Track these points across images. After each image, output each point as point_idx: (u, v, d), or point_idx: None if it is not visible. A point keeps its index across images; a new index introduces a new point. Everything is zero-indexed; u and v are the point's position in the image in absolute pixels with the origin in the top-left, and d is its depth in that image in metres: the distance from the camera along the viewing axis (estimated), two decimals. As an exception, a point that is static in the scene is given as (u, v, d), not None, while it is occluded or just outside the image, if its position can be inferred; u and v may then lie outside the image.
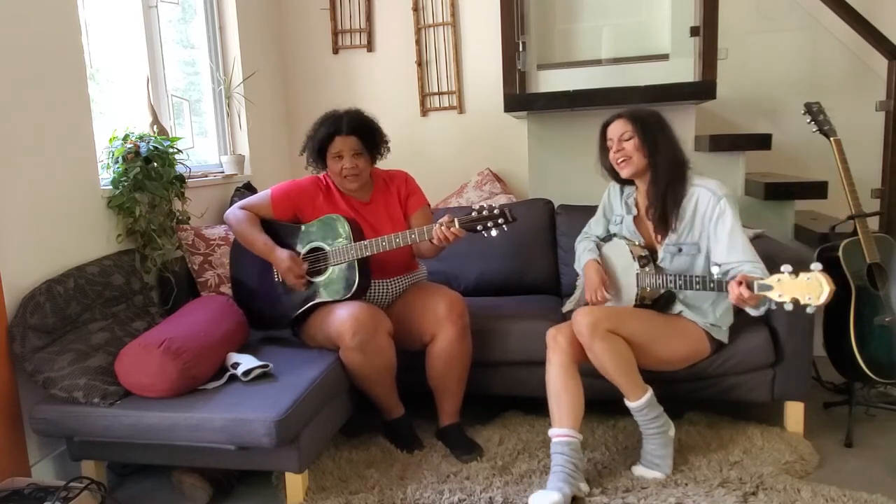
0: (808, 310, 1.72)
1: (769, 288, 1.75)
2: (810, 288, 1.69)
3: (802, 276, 1.70)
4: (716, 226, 2.01)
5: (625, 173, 2.12)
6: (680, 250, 2.08)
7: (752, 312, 1.88)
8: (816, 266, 1.70)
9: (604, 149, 2.17)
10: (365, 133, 2.28)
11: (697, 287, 1.94)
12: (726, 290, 1.84)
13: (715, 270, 1.90)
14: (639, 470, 2.02)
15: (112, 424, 1.87)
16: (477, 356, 2.30)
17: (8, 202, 1.97)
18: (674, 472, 2.00)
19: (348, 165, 2.25)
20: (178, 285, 2.55)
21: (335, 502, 1.93)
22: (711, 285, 1.91)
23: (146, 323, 2.25)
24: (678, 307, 2.11)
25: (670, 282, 2.00)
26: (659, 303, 2.12)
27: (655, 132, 2.07)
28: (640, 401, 1.97)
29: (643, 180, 2.14)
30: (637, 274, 2.06)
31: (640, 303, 2.09)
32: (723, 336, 2.15)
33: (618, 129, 2.09)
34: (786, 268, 1.73)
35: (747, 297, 1.77)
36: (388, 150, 2.40)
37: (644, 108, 2.13)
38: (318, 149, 2.29)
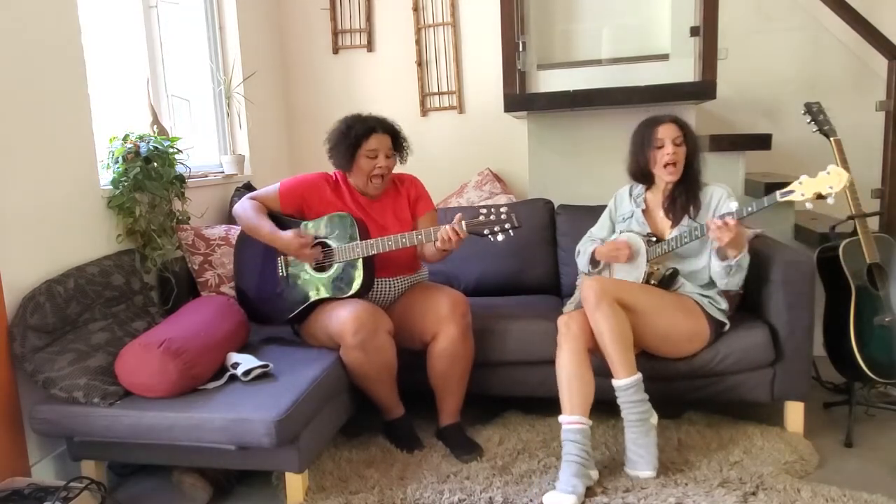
0: (829, 200, 1.87)
1: (791, 192, 1.91)
2: (829, 179, 1.87)
3: (820, 173, 1.89)
4: (721, 209, 2.15)
5: (670, 177, 2.20)
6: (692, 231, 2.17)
7: (722, 274, 2.07)
8: (830, 166, 1.89)
9: (645, 145, 2.22)
10: (397, 137, 2.34)
11: (697, 235, 2.11)
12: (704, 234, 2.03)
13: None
14: (629, 472, 2.01)
15: (112, 424, 1.87)
16: (477, 356, 2.30)
17: (8, 202, 1.97)
18: (674, 472, 2.00)
19: (382, 164, 2.27)
20: (178, 285, 2.55)
21: (335, 502, 1.93)
22: (697, 233, 2.10)
23: (146, 323, 2.25)
24: (679, 282, 2.19)
25: (683, 239, 2.14)
26: (663, 282, 2.18)
27: (697, 143, 2.23)
28: (627, 379, 1.98)
29: (673, 181, 2.24)
30: (647, 250, 2.17)
31: (647, 281, 2.17)
32: (721, 315, 2.19)
33: (671, 131, 2.19)
34: (803, 177, 1.91)
35: (731, 224, 1.93)
36: (410, 153, 2.41)
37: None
38: (353, 145, 2.27)
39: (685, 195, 2.21)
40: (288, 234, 2.22)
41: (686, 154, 2.19)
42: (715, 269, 2.10)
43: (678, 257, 2.20)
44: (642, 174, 2.28)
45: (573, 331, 2.05)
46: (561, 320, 2.10)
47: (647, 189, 2.34)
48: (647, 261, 2.17)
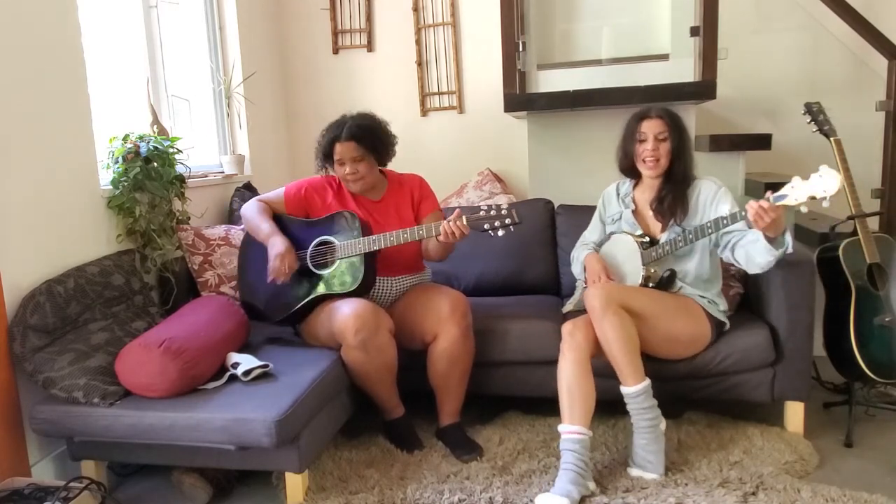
0: (825, 203, 1.81)
1: (784, 196, 1.86)
2: (823, 182, 1.81)
3: (813, 175, 1.83)
4: (717, 206, 2.14)
5: (650, 172, 2.19)
6: (684, 231, 2.15)
7: (767, 256, 1.94)
8: (822, 166, 1.82)
9: (630, 138, 2.23)
10: (364, 138, 2.30)
11: (709, 231, 2.06)
12: (741, 218, 1.96)
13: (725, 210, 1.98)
14: (634, 471, 2.01)
15: (112, 424, 1.87)
16: (477, 356, 2.30)
17: (8, 202, 1.97)
18: (674, 472, 2.00)
19: (349, 170, 2.30)
20: (178, 285, 2.55)
21: (335, 502, 1.93)
22: (725, 221, 2.02)
23: (146, 323, 2.25)
24: (678, 284, 2.18)
25: (690, 236, 2.09)
26: (661, 283, 2.17)
27: (684, 138, 2.20)
28: (637, 386, 1.98)
29: (655, 177, 2.21)
30: (642, 253, 2.15)
31: (645, 284, 2.16)
32: (721, 315, 2.19)
33: (656, 127, 2.17)
34: (795, 179, 1.85)
35: (767, 207, 1.86)
36: (394, 153, 2.42)
37: (673, 111, 2.22)
38: (325, 154, 2.36)
39: (672, 196, 2.18)
40: (278, 241, 2.23)
41: (671, 149, 2.17)
42: (760, 248, 1.97)
43: (673, 257, 2.19)
44: (629, 167, 2.28)
45: (577, 340, 2.02)
46: (565, 328, 2.08)
47: (634, 186, 2.32)
48: (643, 264, 2.16)
